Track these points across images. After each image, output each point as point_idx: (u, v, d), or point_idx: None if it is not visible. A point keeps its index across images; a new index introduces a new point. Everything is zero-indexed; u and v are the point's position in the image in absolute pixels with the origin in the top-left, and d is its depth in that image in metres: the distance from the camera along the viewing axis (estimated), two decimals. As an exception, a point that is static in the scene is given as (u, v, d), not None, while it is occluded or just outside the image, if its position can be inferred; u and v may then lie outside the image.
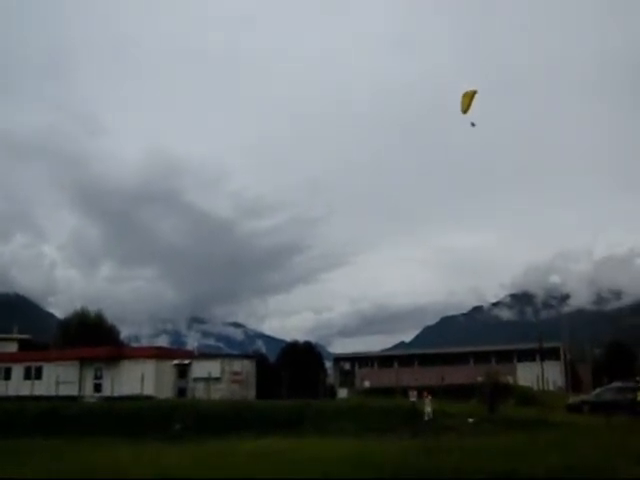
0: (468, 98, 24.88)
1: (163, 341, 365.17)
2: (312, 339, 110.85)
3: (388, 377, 70.62)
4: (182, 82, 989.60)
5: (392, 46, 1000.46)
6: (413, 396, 35.39)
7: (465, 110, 24.92)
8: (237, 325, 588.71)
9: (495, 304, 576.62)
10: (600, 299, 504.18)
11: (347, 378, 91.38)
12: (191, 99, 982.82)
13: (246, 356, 70.28)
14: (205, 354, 68.76)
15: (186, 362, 56.38)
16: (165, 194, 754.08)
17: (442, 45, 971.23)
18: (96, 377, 58.11)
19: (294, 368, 69.64)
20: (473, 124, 25.16)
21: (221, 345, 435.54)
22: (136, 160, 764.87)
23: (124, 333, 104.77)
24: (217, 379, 53.08)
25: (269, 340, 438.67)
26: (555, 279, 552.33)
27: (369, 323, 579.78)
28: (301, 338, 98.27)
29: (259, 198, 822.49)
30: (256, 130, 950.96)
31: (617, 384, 48.97)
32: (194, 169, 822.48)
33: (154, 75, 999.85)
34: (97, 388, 57.39)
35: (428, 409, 34.33)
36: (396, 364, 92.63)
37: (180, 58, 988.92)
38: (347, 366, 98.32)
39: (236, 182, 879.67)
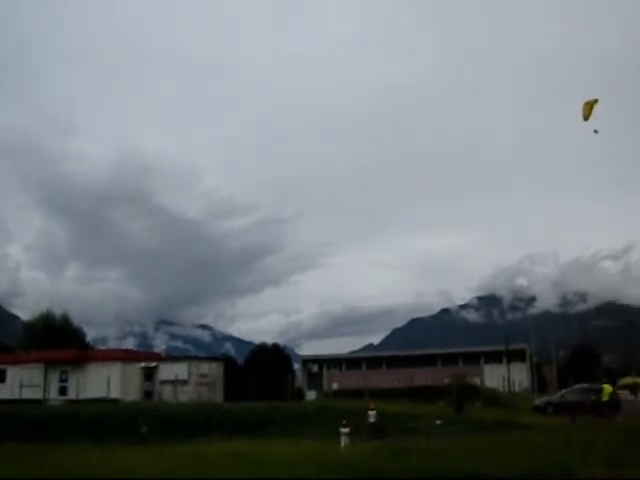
0: (590, 106, 25.81)
1: (130, 343, 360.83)
2: (281, 341, 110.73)
3: (356, 379, 70.74)
4: (153, 82, 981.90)
5: (363, 47, 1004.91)
6: (372, 417, 34.56)
7: (587, 117, 25.82)
8: (205, 327, 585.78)
9: (463, 306, 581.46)
10: (565, 302, 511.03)
11: (315, 380, 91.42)
12: (162, 99, 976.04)
13: (214, 358, 69.88)
14: (172, 356, 68.20)
15: (153, 364, 55.88)
16: (134, 195, 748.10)
17: (415, 46, 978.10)
18: (61, 380, 57.23)
19: (262, 370, 69.52)
20: (596, 131, 26.01)
21: (189, 347, 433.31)
22: (106, 160, 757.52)
23: (90, 335, 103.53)
24: (184, 382, 52.74)
25: (237, 342, 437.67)
26: (522, 282, 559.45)
27: (338, 325, 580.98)
28: (270, 340, 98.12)
29: (229, 199, 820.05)
30: (227, 131, 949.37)
31: (581, 385, 49.64)
32: (164, 170, 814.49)
33: (125, 75, 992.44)
34: (62, 391, 56.49)
35: (371, 420, 33.95)
36: (364, 366, 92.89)
37: (151, 58, 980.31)
38: (315, 368, 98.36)
39: (206, 183, 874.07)
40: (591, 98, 26.23)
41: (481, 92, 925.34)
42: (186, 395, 51.13)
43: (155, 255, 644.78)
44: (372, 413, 34.11)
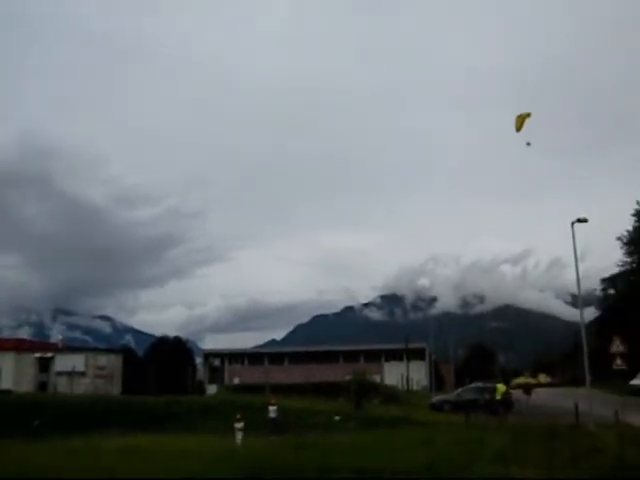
0: (522, 119, 26.44)
1: (25, 333, 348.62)
2: (184, 334, 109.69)
3: (258, 374, 70.73)
4: (60, 63, 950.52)
5: (273, 45, 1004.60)
6: (273, 412, 34.36)
7: (519, 129, 26.43)
8: (105, 318, 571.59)
9: (366, 305, 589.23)
10: (465, 303, 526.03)
11: (217, 374, 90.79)
12: (69, 81, 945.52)
13: (113, 350, 68.55)
14: (70, 347, 66.49)
15: (49, 355, 54.35)
16: (34, 178, 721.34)
17: (326, 46, 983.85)
18: (-52, 370, 54.94)
19: (163, 363, 68.53)
20: (529, 143, 26.87)
21: (88, 338, 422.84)
22: (5, 141, 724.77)
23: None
24: (81, 373, 51.51)
25: (138, 334, 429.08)
26: (424, 282, 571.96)
27: (242, 319, 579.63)
28: (172, 333, 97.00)
29: (136, 188, 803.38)
30: (136, 118, 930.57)
31: (477, 384, 51.31)
32: (68, 154, 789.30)
33: (31, 55, 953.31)
34: (-51, 382, 54.24)
35: (272, 415, 33.88)
36: (266, 361, 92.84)
37: (58, 38, 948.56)
38: (217, 362, 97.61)
39: (113, 170, 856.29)
40: (524, 112, 27.31)
41: (390, 93, 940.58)
42: (82, 387, 49.99)
43: (55, 241, 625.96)
44: (273, 408, 34.07)
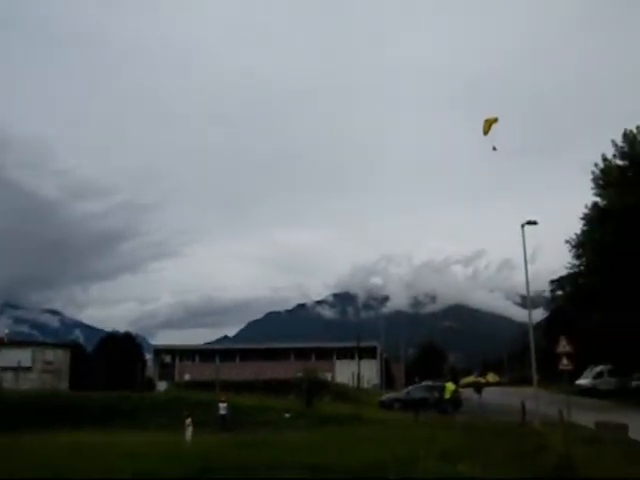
0: (489, 124, 26.71)
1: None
2: (134, 330, 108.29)
3: (209, 371, 70.24)
4: (12, 54, 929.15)
5: (231, 39, 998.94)
6: (223, 409, 34.28)
7: (486, 132, 26.71)
8: (54, 312, 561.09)
9: (319, 302, 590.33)
10: (417, 302, 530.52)
11: (167, 371, 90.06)
12: (22, 71, 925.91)
13: (60, 345, 67.39)
14: (16, 342, 65.11)
15: (-7, 349, 53.24)
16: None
17: (291, 44, 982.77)
18: None
19: (112, 359, 67.70)
20: (495, 148, 27.20)
21: (35, 333, 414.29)
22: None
23: None
24: (28, 368, 50.53)
25: (88, 329, 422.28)
26: (376, 281, 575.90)
27: (194, 315, 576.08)
28: (123, 328, 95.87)
29: (88, 180, 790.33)
30: (89, 109, 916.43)
31: (426, 383, 51.92)
32: (19, 145, 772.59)
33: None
34: None
35: (221, 412, 33.80)
36: (217, 358, 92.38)
37: (7, 26, 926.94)
38: (168, 359, 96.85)
39: (64, 161, 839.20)
40: (492, 117, 27.72)
41: (342, 92, 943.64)
42: (29, 383, 49.04)
43: (3, 233, 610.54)
44: (223, 405, 34.00)
